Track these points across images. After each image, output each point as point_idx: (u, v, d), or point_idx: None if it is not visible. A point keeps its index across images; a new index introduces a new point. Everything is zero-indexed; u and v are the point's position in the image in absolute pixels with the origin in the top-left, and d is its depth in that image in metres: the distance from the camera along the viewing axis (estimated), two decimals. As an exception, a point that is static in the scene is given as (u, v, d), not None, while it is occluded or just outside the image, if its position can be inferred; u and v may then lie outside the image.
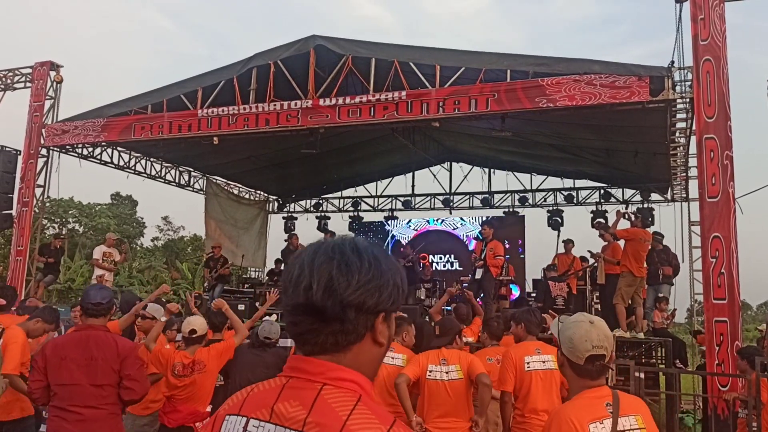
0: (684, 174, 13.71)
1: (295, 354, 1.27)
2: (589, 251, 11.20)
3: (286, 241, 14.77)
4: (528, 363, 4.77)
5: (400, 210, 18.29)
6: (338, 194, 19.15)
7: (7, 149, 12.65)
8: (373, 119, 10.33)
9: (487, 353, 5.78)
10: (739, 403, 6.63)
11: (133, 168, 14.40)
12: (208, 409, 5.10)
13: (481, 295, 10.83)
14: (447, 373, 4.74)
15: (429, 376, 4.78)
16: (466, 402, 4.76)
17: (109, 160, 13.67)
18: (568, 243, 12.65)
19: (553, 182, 16.88)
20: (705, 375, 7.99)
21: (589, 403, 2.44)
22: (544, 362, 4.74)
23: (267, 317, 7.00)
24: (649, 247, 10.29)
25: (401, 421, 1.16)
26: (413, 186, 18.10)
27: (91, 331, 3.94)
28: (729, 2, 8.74)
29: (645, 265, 10.01)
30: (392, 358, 5.15)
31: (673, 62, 8.95)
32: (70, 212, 37.70)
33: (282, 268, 13.32)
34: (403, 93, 10.11)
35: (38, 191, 12.90)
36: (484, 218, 16.52)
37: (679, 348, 10.10)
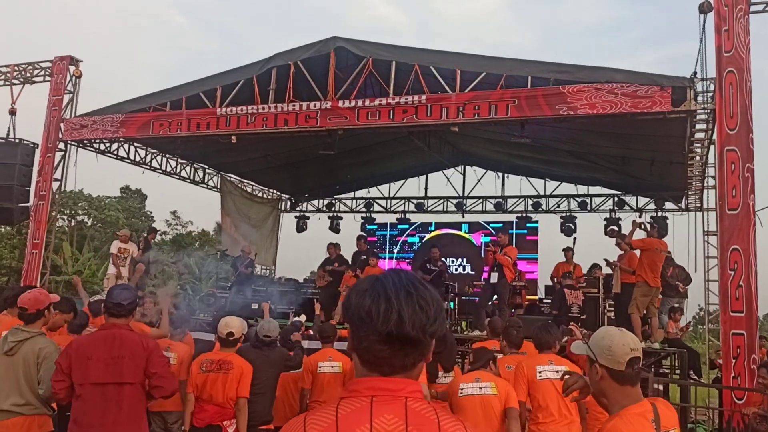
0: (700, 184, 13.69)
1: (364, 375, 1.41)
2: (605, 259, 11.19)
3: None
4: (540, 372, 4.84)
5: (413, 212, 18.30)
6: (351, 195, 19.18)
7: (25, 142, 12.71)
8: (392, 122, 10.34)
9: (507, 361, 5.79)
10: (757, 417, 6.61)
11: (148, 164, 14.46)
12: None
13: (495, 298, 10.86)
14: (480, 388, 4.79)
15: (461, 393, 4.80)
16: (499, 420, 4.76)
17: (125, 156, 13.73)
18: (568, 251, 12.65)
19: (567, 188, 16.88)
20: (721, 389, 7.96)
21: (639, 420, 2.45)
22: (557, 372, 4.76)
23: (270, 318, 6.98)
24: (665, 258, 10.28)
25: None
26: (426, 188, 18.12)
27: (116, 329, 3.97)
28: (754, 14, 8.73)
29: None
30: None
31: (695, 73, 8.94)
32: (79, 204, 37.90)
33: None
34: (423, 97, 10.11)
35: (55, 185, 12.97)
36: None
37: (693, 359, 10.08)
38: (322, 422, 1.34)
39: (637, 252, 10.26)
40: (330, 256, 13.41)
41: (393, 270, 1.52)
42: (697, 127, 10.11)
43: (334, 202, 19.27)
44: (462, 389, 4.82)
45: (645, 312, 9.74)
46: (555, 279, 12.05)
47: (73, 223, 35.61)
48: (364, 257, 12.92)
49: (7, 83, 13.33)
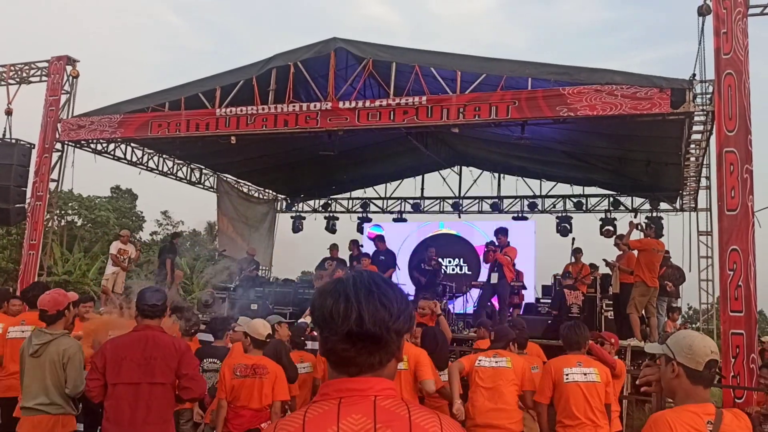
0: (695, 184, 13.83)
1: (334, 377, 1.41)
2: (603, 260, 11.28)
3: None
4: (567, 375, 4.82)
5: (409, 212, 18.33)
6: (347, 195, 19.18)
7: (22, 143, 12.63)
8: (392, 123, 10.37)
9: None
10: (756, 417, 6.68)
11: (145, 165, 14.41)
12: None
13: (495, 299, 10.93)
14: (497, 362, 4.92)
15: (479, 364, 4.94)
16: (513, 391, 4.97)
17: (122, 156, 13.67)
18: (578, 252, 12.72)
19: (563, 189, 16.98)
20: (721, 388, 8.04)
21: (691, 416, 2.47)
22: (585, 374, 4.78)
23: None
24: (662, 258, 10.38)
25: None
26: (422, 189, 18.16)
27: (149, 331, 4.09)
28: (752, 17, 8.83)
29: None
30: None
31: (694, 75, 9.04)
32: (69, 204, 37.63)
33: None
34: (424, 98, 10.15)
35: (52, 185, 12.90)
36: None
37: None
38: (290, 426, 1.35)
39: (635, 252, 10.36)
40: (331, 256, 13.47)
41: (357, 271, 1.52)
42: (695, 128, 10.22)
43: (330, 202, 19.27)
44: (480, 361, 5.01)
45: (644, 312, 9.83)
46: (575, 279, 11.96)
47: (63, 223, 35.36)
48: (357, 257, 13.01)
49: (3, 83, 13.24)
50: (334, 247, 13.78)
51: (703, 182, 13.69)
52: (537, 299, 13.76)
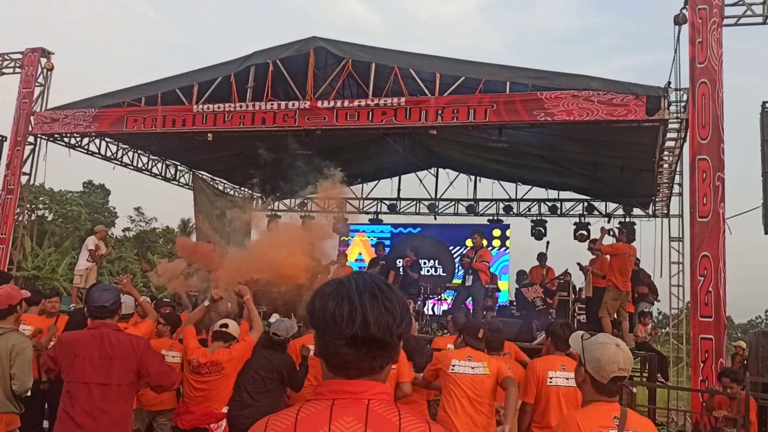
0: (667, 191, 14.04)
1: (329, 378, 1.40)
2: (578, 264, 11.38)
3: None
4: (551, 378, 4.81)
5: (385, 213, 18.32)
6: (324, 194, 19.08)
7: (-7, 135, 12.42)
8: (371, 124, 10.39)
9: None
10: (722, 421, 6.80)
11: (119, 160, 14.22)
12: (224, 410, 5.01)
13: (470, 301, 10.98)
14: (473, 368, 4.88)
15: (452, 370, 4.90)
16: (489, 398, 4.91)
17: (96, 151, 13.48)
18: (542, 257, 12.84)
19: (538, 192, 17.11)
20: (694, 391, 8.18)
21: (598, 413, 2.67)
22: (567, 379, 4.77)
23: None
24: (633, 262, 10.52)
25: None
26: (399, 190, 18.17)
27: (105, 329, 3.91)
28: (727, 27, 8.99)
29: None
30: None
31: (669, 83, 9.18)
32: (40, 198, 37.03)
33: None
34: (402, 99, 10.18)
35: (24, 179, 12.69)
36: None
37: (661, 362, 10.33)
38: (282, 424, 1.35)
39: (608, 257, 10.47)
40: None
41: (357, 272, 1.49)
42: (669, 135, 10.38)
43: (306, 201, 19.17)
44: (454, 366, 4.96)
45: (615, 316, 9.94)
46: (542, 282, 12.11)
47: (33, 218, 34.76)
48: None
49: (-25, 74, 13.01)
50: (378, 246, 13.79)
51: (676, 189, 13.92)
52: (510, 302, 13.87)
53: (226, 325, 5.15)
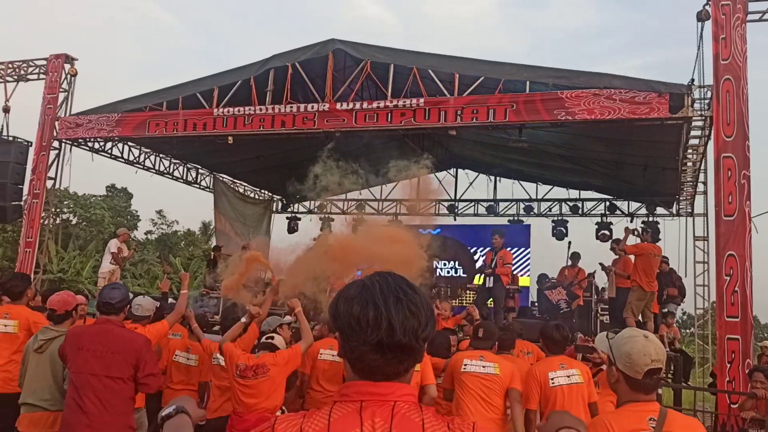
0: (691, 190, 13.85)
1: (354, 379, 1.40)
2: (600, 264, 11.28)
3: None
4: (552, 379, 4.78)
5: (404, 215, 18.27)
6: (342, 196, 19.14)
7: (19, 140, 12.61)
8: (390, 125, 10.38)
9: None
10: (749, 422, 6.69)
11: (142, 164, 14.38)
12: (278, 413, 4.96)
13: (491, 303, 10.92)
14: (484, 367, 4.85)
15: (464, 369, 4.87)
16: (500, 398, 4.88)
17: (119, 155, 13.65)
18: (575, 257, 12.73)
19: (559, 192, 16.97)
20: (720, 392, 8.06)
21: (632, 415, 2.47)
22: (569, 377, 4.76)
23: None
24: (659, 262, 10.40)
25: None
26: (418, 191, 18.05)
27: (109, 325, 4.15)
28: (751, 23, 8.85)
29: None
30: None
31: (693, 80, 9.06)
32: (65, 202, 37.53)
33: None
34: (422, 100, 10.16)
35: (49, 183, 12.87)
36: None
37: (686, 363, 10.20)
38: (316, 425, 1.35)
39: (631, 257, 10.37)
40: None
41: (380, 274, 1.46)
42: (693, 133, 10.25)
43: (325, 203, 19.21)
44: (465, 365, 4.93)
45: (640, 317, 9.84)
46: (571, 283, 11.96)
47: (58, 221, 35.24)
48: None
49: (1, 80, 13.21)
50: None
51: (700, 187, 13.69)
52: (532, 303, 13.78)
53: (272, 337, 5.23)
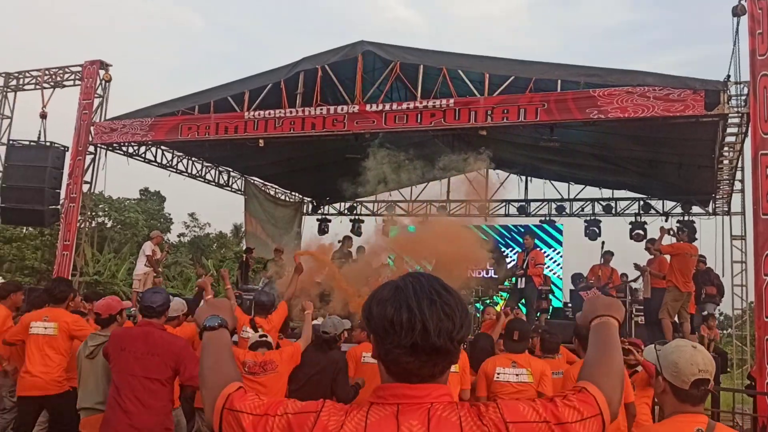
0: (728, 188, 13.58)
1: (389, 381, 1.39)
2: (634, 264, 11.12)
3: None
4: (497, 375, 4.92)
5: (434, 216, 18.24)
6: (372, 197, 19.17)
7: (56, 145, 12.89)
8: (420, 126, 10.36)
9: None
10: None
11: (175, 167, 14.59)
12: None
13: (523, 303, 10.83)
14: (517, 375, 4.80)
15: (497, 377, 4.83)
16: None
17: (152, 159, 13.86)
18: (608, 254, 12.56)
19: (591, 192, 16.76)
20: (760, 395, 7.88)
21: (678, 426, 2.42)
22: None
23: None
24: (696, 262, 10.21)
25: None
26: (448, 191, 18.04)
27: (150, 327, 4.29)
28: (789, 17, 8.63)
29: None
30: None
31: (729, 76, 8.88)
32: (100, 206, 38.24)
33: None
34: (451, 101, 10.13)
35: (85, 187, 13.13)
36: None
37: (723, 365, 10.00)
38: (354, 426, 1.34)
39: (667, 257, 10.19)
40: None
41: (413, 275, 1.44)
42: (729, 130, 10.03)
43: (355, 205, 19.28)
44: (498, 374, 4.89)
45: (676, 318, 9.67)
46: (606, 285, 11.82)
47: (93, 225, 35.92)
48: None
49: (38, 87, 13.52)
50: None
51: (737, 185, 13.41)
52: (565, 303, 13.64)
53: (265, 335, 5.36)
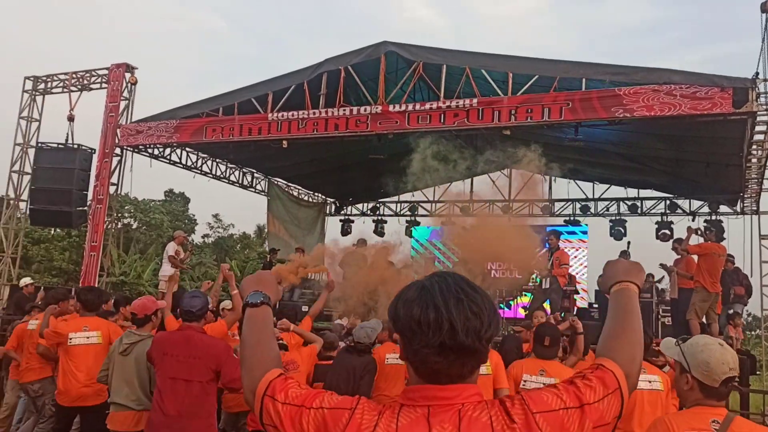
0: (757, 187, 13.35)
1: (418, 383, 1.38)
2: (661, 264, 10.98)
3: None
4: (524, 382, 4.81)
5: (458, 216, 18.17)
6: (395, 198, 19.17)
7: (83, 148, 13.09)
8: (443, 126, 10.34)
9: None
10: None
11: (199, 168, 14.72)
12: None
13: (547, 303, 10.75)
14: (544, 385, 4.72)
15: (524, 385, 4.77)
16: None
17: (177, 161, 14.00)
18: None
19: (616, 191, 16.59)
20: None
21: (695, 416, 2.45)
22: (650, 382, 4.57)
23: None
24: (724, 262, 10.04)
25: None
26: (471, 192, 17.98)
27: (191, 331, 4.34)
28: (820, 12, 8.48)
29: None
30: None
31: (757, 73, 8.72)
32: (125, 207, 38.70)
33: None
34: (475, 100, 10.09)
35: (111, 189, 13.31)
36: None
37: (752, 365, 9.82)
38: (386, 429, 1.33)
39: (695, 257, 10.05)
40: None
41: (439, 274, 1.43)
42: (757, 128, 9.86)
43: (378, 205, 19.29)
44: (525, 382, 4.82)
45: (704, 318, 9.53)
46: None
47: (119, 226, 36.37)
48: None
49: (65, 90, 13.74)
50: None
51: (766, 184, 13.21)
52: (590, 304, 13.50)
53: (280, 338, 5.38)
